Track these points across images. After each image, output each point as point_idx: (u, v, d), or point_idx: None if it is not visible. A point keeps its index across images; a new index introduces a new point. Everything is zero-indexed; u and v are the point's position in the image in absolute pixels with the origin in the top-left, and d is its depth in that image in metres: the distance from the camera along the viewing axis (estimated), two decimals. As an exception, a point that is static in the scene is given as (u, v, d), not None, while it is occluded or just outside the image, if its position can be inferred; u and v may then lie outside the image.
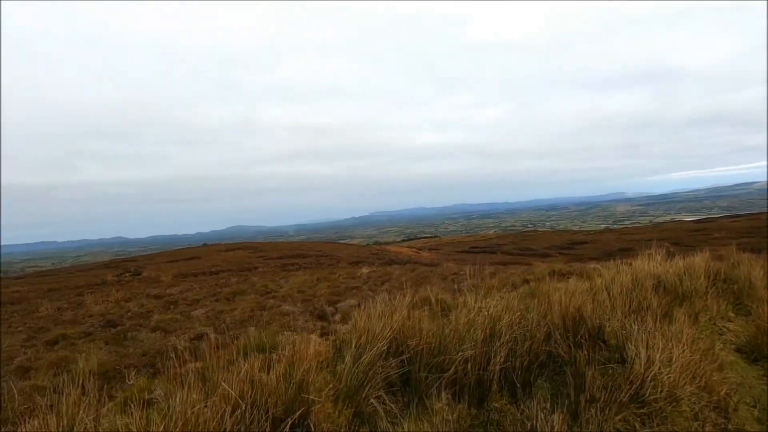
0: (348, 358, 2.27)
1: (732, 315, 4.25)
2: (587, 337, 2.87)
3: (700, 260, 5.58)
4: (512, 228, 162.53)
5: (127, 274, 24.49)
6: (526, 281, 6.63)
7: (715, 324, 3.80)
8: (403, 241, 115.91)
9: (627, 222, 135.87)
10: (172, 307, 8.91)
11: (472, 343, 2.37)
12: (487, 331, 2.47)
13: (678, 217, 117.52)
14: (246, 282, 13.29)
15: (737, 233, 48.83)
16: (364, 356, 2.24)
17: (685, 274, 4.69)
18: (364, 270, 15.26)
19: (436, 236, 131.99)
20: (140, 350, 3.83)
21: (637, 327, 2.89)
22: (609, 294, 3.60)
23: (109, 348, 4.78)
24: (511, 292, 4.80)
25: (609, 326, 3.08)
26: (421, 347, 2.39)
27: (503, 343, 2.40)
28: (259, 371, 2.02)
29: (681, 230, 58.20)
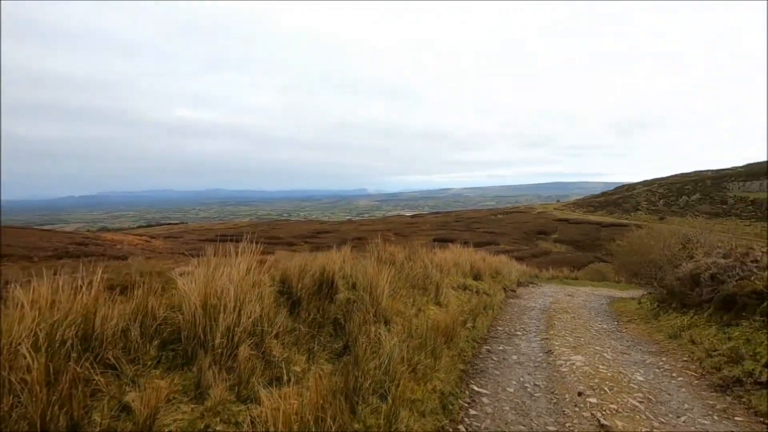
0: None
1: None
2: None
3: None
4: (268, 216, 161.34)
5: None
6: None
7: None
8: (139, 227, 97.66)
9: (366, 215, 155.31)
10: None
11: None
12: None
13: (402, 212, 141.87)
14: None
15: (436, 225, 61.48)
16: None
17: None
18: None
19: (183, 223, 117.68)
20: None
21: None
22: None
23: None
24: None
25: None
26: None
27: None
28: None
29: (401, 222, 69.30)
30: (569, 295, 9.94)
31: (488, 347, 4.88)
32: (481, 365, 4.22)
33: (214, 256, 3.37)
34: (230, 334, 2.39)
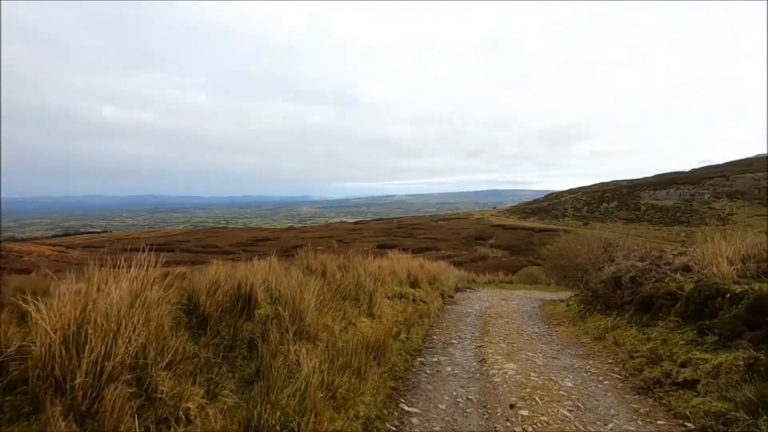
0: None
1: None
2: None
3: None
4: (204, 224, 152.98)
5: None
6: None
7: None
8: (55, 236, 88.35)
9: (309, 222, 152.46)
10: None
11: None
12: None
13: (345, 219, 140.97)
14: None
15: (379, 232, 61.62)
16: None
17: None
18: None
19: (107, 231, 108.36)
20: None
21: None
22: None
23: None
24: None
25: None
26: None
27: None
28: None
29: (344, 229, 68.65)
30: (504, 300, 10.14)
31: (422, 359, 4.68)
32: (414, 380, 3.99)
33: (100, 268, 2.83)
34: (97, 370, 1.93)
